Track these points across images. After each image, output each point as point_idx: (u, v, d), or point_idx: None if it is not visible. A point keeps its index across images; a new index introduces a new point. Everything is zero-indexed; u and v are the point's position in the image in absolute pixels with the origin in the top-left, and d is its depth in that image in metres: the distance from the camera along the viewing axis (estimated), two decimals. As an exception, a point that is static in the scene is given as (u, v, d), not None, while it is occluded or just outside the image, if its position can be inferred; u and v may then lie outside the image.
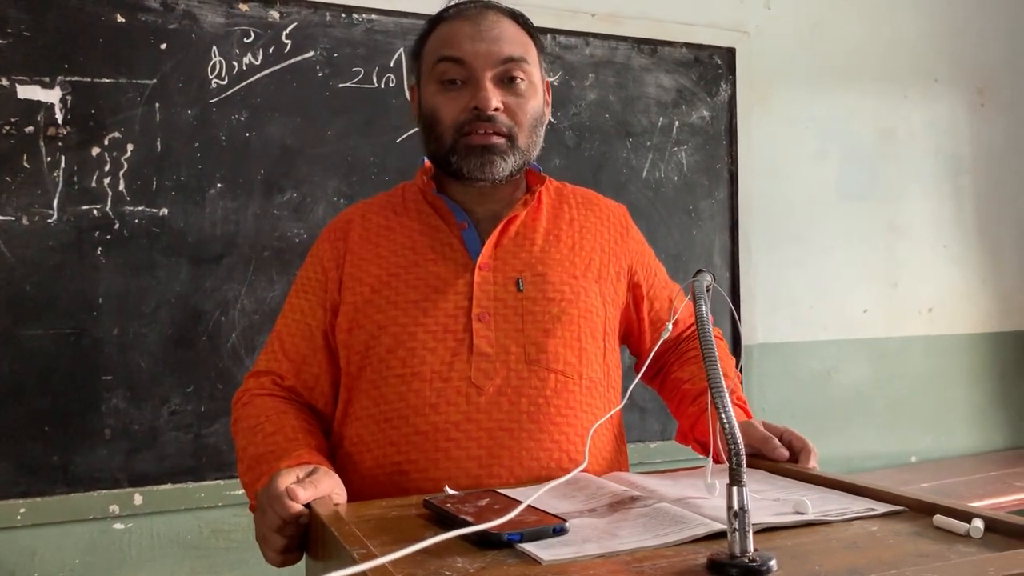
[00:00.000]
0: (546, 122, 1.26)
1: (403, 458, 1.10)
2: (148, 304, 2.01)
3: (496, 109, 1.15)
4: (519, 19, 1.22)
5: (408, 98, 1.30)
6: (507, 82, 1.17)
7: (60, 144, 1.94)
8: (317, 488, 0.95)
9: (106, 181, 1.98)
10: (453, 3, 1.23)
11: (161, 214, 2.03)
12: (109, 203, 1.98)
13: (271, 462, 1.06)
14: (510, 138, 1.17)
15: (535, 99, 1.20)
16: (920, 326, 3.01)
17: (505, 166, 1.17)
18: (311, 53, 2.17)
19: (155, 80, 2.03)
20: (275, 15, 2.13)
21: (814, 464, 1.06)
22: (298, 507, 0.92)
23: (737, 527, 0.67)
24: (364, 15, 2.22)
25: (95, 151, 1.97)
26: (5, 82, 1.91)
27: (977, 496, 2.41)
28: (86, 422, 1.94)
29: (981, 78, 3.14)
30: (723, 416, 0.69)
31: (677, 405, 1.29)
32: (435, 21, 1.22)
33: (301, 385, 1.21)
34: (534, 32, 1.24)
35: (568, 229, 1.24)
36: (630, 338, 1.33)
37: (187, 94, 2.05)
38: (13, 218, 1.90)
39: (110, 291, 1.97)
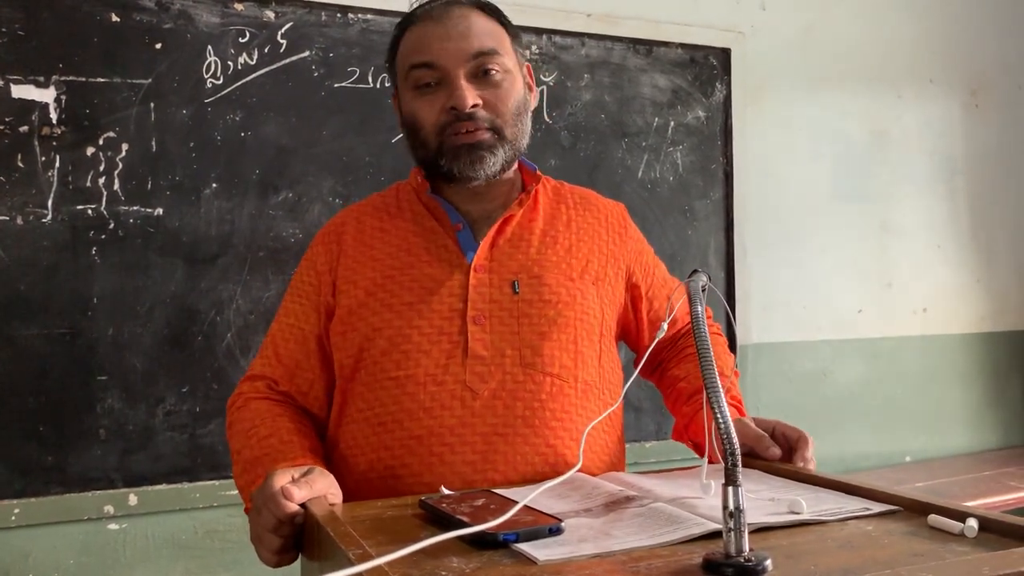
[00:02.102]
0: (532, 107, 1.24)
1: (397, 462, 1.10)
2: (143, 304, 2.00)
3: (475, 106, 1.14)
4: (486, 9, 1.20)
5: (392, 105, 1.29)
6: (482, 75, 1.16)
7: (55, 144, 1.94)
8: (312, 488, 0.94)
9: (101, 181, 1.97)
10: (418, 3, 1.22)
11: (156, 214, 2.02)
12: (104, 203, 1.98)
13: (266, 465, 1.06)
14: (495, 131, 1.16)
15: (514, 87, 1.18)
16: (914, 326, 3.02)
17: (495, 160, 1.16)
18: (306, 53, 2.17)
19: (150, 80, 2.02)
20: (270, 15, 2.13)
21: (811, 454, 1.06)
22: (293, 506, 0.91)
23: (732, 527, 0.67)
24: (360, 15, 2.22)
25: (90, 151, 1.97)
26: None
27: (971, 496, 2.42)
28: (81, 422, 1.94)
29: (975, 79, 3.15)
30: (719, 418, 0.69)
31: (673, 403, 1.29)
32: (402, 26, 1.21)
33: (295, 390, 1.21)
34: (504, 19, 1.22)
35: (565, 230, 1.23)
36: (628, 337, 1.33)
37: (182, 94, 2.05)
38: (7, 218, 1.90)
39: (105, 291, 1.97)
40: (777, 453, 1.07)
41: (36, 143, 1.93)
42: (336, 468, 1.14)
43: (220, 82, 2.08)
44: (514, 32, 1.23)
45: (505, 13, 1.24)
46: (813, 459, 1.07)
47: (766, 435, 1.09)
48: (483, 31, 1.16)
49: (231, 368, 2.06)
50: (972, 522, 0.75)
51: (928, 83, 3.06)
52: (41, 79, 1.93)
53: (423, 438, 1.09)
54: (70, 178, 1.95)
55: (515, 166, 1.24)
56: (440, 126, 1.15)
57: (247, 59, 2.11)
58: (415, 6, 1.22)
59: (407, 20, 1.21)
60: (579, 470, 1.02)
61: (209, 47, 2.07)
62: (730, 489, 0.67)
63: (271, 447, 1.10)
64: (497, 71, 1.16)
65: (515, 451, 1.09)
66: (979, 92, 3.16)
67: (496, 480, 1.08)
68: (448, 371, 1.11)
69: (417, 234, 1.20)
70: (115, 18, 2.00)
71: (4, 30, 1.91)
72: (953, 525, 0.76)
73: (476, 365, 1.11)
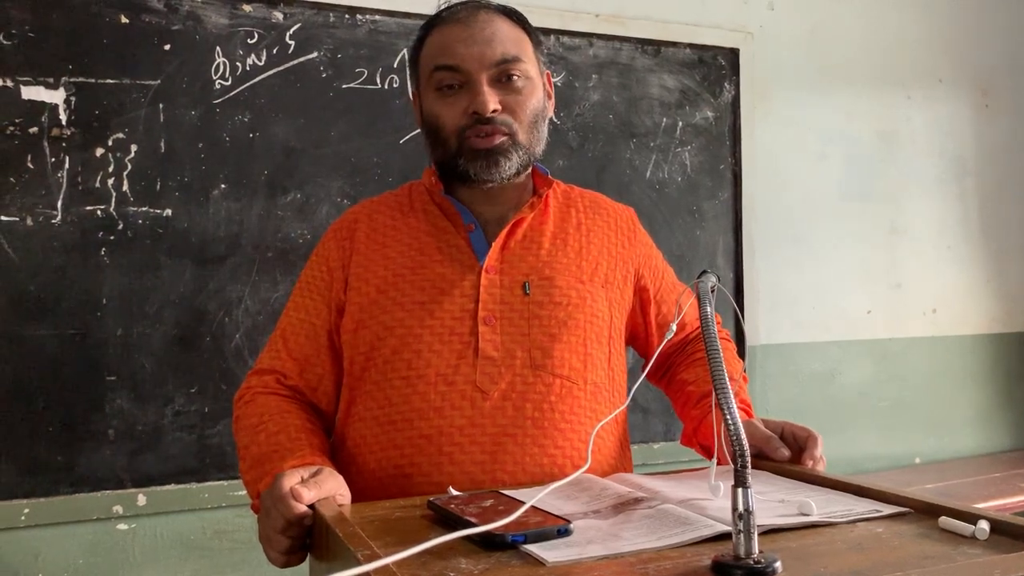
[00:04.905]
0: (549, 115, 1.25)
1: (406, 461, 1.10)
2: (152, 305, 2.01)
3: (495, 111, 1.15)
4: (512, 15, 1.22)
5: (411, 103, 1.30)
6: (504, 81, 1.17)
7: (64, 145, 1.95)
8: (321, 489, 0.95)
9: (110, 182, 1.98)
10: (445, 4, 1.23)
11: (165, 215, 2.03)
12: (113, 204, 1.98)
13: (274, 462, 1.06)
14: (511, 136, 1.17)
15: (534, 95, 1.20)
16: (924, 327, 3.00)
17: (510, 164, 1.17)
18: (315, 54, 2.17)
19: (159, 81, 2.03)
20: (279, 16, 2.13)
21: (820, 452, 1.06)
22: (302, 508, 0.92)
23: (742, 528, 0.67)
24: (367, 16, 2.22)
25: (99, 152, 1.98)
26: (10, 83, 1.91)
27: (982, 497, 2.40)
28: (90, 423, 1.95)
29: (985, 79, 3.14)
30: (728, 417, 0.69)
31: (682, 407, 1.29)
32: (428, 26, 1.22)
33: (305, 385, 1.21)
34: (528, 26, 1.23)
35: (575, 233, 1.24)
36: (637, 341, 1.33)
37: (191, 95, 2.06)
38: (17, 218, 1.91)
39: (114, 292, 1.98)
40: (786, 454, 1.06)
41: (46, 144, 1.93)
42: (344, 466, 1.15)
43: (229, 83, 2.09)
44: (537, 40, 1.24)
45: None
46: (823, 457, 1.06)
47: (775, 436, 1.08)
48: (508, 37, 1.18)
49: (240, 369, 2.06)
50: (983, 524, 0.75)
51: (937, 83, 3.05)
52: (51, 80, 1.94)
53: (433, 437, 1.09)
54: (79, 179, 1.96)
55: (529, 170, 1.25)
56: (460, 128, 1.16)
57: (255, 60, 2.11)
58: (442, 7, 1.23)
59: (433, 21, 1.22)
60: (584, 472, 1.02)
61: (218, 48, 2.08)
62: (739, 491, 0.67)
63: (279, 444, 1.10)
64: (519, 77, 1.18)
65: (524, 452, 1.09)
66: (989, 92, 3.14)
67: (504, 480, 1.08)
68: (459, 371, 1.11)
69: (429, 233, 1.21)
70: (124, 20, 2.00)
71: (14, 32, 1.92)
72: (964, 527, 0.76)
73: (486, 366, 1.11)
